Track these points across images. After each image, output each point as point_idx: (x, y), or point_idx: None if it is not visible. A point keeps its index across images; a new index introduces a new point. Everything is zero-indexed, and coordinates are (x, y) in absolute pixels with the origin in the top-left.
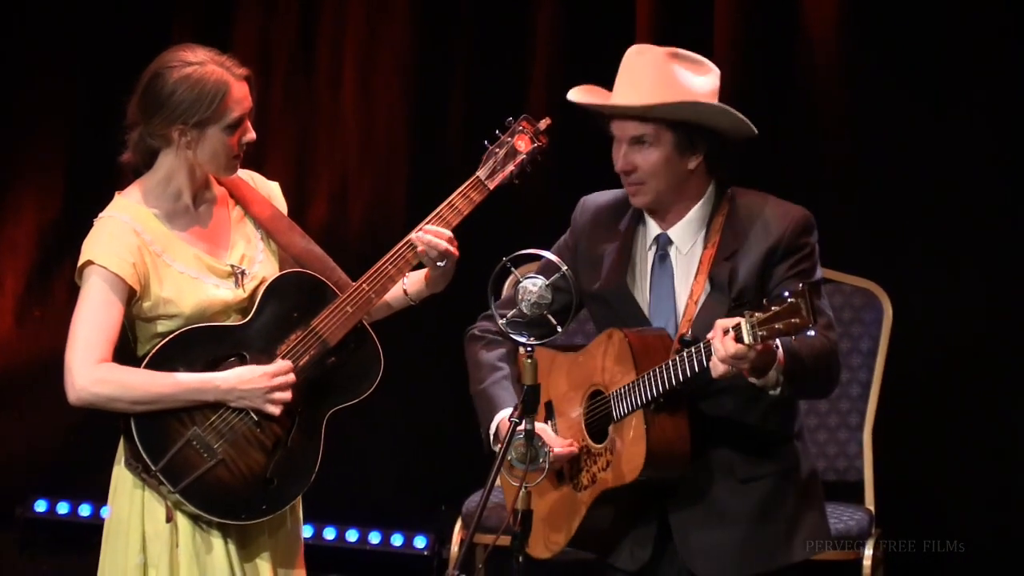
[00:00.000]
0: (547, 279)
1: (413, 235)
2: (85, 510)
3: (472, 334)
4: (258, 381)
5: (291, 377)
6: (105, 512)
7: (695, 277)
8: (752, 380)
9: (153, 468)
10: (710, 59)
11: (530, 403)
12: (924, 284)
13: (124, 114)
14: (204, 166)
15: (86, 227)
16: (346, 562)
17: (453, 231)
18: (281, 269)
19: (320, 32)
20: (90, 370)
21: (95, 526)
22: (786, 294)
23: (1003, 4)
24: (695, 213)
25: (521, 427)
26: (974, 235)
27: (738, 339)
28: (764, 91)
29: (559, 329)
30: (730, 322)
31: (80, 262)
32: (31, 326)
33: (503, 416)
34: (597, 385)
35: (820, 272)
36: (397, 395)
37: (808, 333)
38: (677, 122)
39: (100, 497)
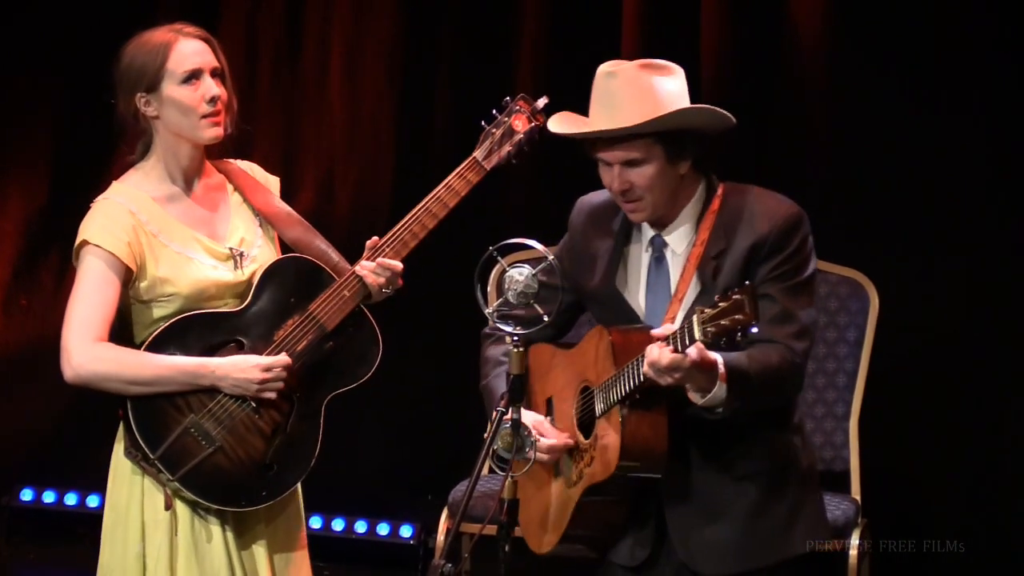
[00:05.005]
0: (534, 268)
1: (359, 267)
2: (71, 499)
3: (484, 332)
4: (251, 372)
5: (283, 373)
6: (95, 501)
7: (682, 275)
8: (694, 398)
9: (151, 456)
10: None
11: (516, 392)
12: (910, 273)
13: (113, 110)
14: (181, 132)
15: (73, 215)
16: (332, 551)
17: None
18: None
19: (306, 20)
20: (88, 348)
21: (81, 515)
22: (734, 291)
23: (984, 2)
24: (687, 213)
25: (508, 416)
26: (960, 225)
27: (690, 335)
28: (749, 83)
29: (545, 319)
30: (675, 327)
31: (76, 243)
32: (18, 315)
33: None
34: (586, 381)
35: (810, 270)
36: (383, 385)
37: (752, 330)
38: (663, 133)
39: (87, 486)
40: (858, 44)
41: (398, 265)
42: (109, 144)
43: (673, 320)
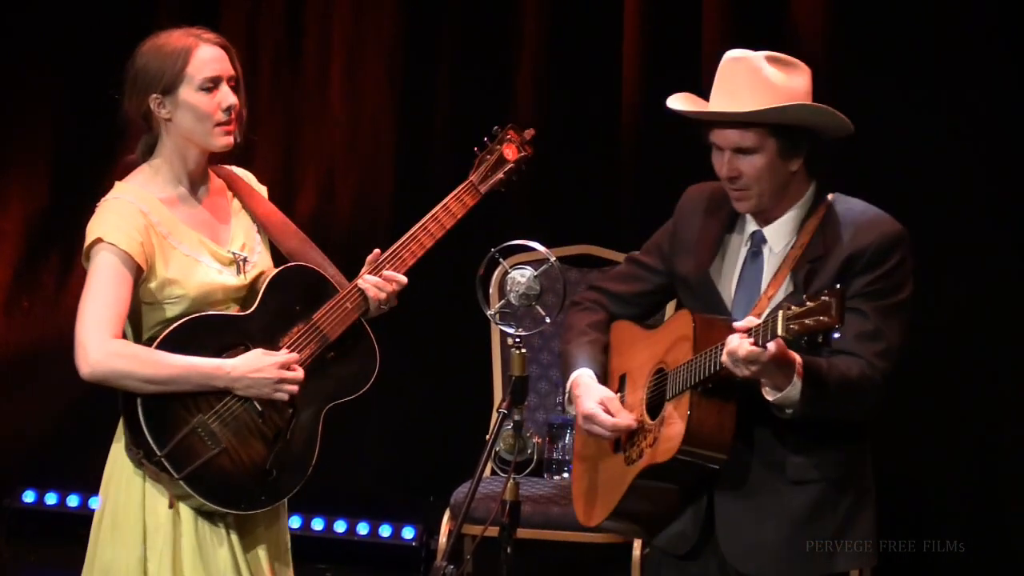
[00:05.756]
0: (535, 270)
1: (361, 281)
2: (73, 501)
3: (573, 300)
4: (268, 371)
5: (300, 373)
6: (98, 503)
7: (775, 275)
8: (768, 394)
9: (157, 453)
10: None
11: (518, 394)
12: (920, 275)
13: (115, 109)
14: (192, 137)
15: (73, 216)
16: (334, 553)
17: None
18: (275, 265)
19: (306, 21)
20: (105, 344)
21: (83, 517)
22: (825, 291)
23: (984, 2)
24: (792, 214)
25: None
26: (960, 225)
27: (773, 330)
28: None
29: (547, 320)
30: (758, 321)
31: (88, 241)
32: (19, 317)
33: (576, 375)
34: (662, 363)
35: (906, 293)
36: (386, 386)
37: (834, 335)
38: (779, 126)
39: (88, 488)
40: (858, 44)
41: (403, 279)
42: (109, 144)
43: (759, 316)
